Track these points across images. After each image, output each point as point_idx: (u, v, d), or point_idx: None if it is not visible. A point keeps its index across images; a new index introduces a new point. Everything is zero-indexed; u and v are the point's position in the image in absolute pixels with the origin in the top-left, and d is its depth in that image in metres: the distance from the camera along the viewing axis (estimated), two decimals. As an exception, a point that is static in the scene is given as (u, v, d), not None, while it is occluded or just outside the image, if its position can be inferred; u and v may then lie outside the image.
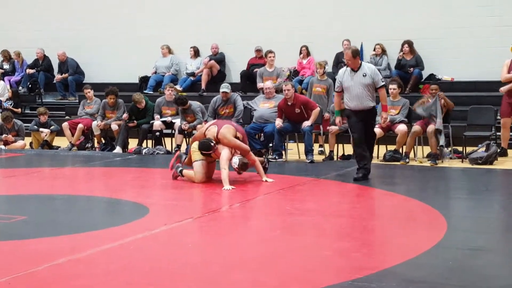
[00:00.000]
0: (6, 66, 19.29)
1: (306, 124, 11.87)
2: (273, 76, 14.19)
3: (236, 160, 9.32)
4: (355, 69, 9.70)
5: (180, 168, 9.76)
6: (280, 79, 13.96)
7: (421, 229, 6.78)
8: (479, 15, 15.85)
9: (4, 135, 14.22)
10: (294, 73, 16.83)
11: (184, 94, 15.63)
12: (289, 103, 12.02)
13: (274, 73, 14.25)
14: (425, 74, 15.92)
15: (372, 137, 10.10)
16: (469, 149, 12.16)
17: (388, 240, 6.42)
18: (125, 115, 13.64)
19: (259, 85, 14.29)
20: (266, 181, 9.57)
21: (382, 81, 9.81)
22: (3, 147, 14.08)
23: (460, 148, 12.38)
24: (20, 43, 19.25)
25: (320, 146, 13.32)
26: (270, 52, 14.78)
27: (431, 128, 11.64)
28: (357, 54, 9.80)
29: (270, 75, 14.25)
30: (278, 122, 11.99)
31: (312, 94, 13.29)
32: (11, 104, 17.24)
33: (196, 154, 9.54)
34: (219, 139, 9.40)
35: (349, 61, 9.77)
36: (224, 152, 9.32)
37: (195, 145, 9.63)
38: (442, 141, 11.49)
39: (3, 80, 18.37)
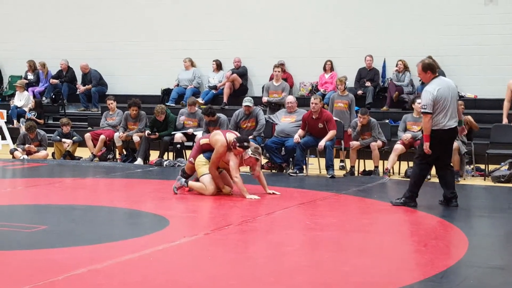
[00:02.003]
0: (30, 76, 19.47)
1: (321, 144, 11.80)
2: (279, 90, 14.17)
3: (249, 151, 9.38)
4: None
5: (184, 180, 9.73)
6: (285, 94, 13.97)
7: (442, 246, 6.72)
8: (502, 33, 15.81)
9: (27, 145, 14.31)
10: (316, 88, 16.84)
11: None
12: (314, 117, 12.02)
13: (280, 88, 14.24)
14: (448, 91, 15.82)
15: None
16: (491, 167, 12.08)
17: (408, 257, 6.37)
18: (147, 132, 13.61)
19: (264, 99, 14.33)
20: (273, 193, 9.61)
21: (424, 108, 8.55)
22: (25, 156, 14.17)
23: (482, 166, 12.31)
24: (44, 54, 19.42)
25: (341, 161, 13.28)
26: (277, 66, 14.77)
27: (454, 145, 11.55)
28: (429, 68, 8.61)
29: (276, 89, 14.24)
30: (297, 137, 11.98)
31: (334, 109, 13.28)
32: (34, 115, 17.36)
33: (203, 168, 9.54)
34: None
35: (419, 75, 8.94)
36: (232, 161, 9.37)
37: (200, 159, 9.62)
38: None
39: (27, 90, 18.53)
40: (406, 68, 15.92)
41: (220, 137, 9.48)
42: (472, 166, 12.30)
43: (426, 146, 8.62)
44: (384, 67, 16.66)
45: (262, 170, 12.60)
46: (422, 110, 8.63)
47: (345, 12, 17.08)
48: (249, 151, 9.37)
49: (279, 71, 14.51)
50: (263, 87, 16.63)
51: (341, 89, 13.44)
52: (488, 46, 15.93)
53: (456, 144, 11.56)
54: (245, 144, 9.40)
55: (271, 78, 16.94)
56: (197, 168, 9.65)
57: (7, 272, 5.51)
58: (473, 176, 12.12)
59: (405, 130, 12.21)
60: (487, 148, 12.44)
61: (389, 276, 5.58)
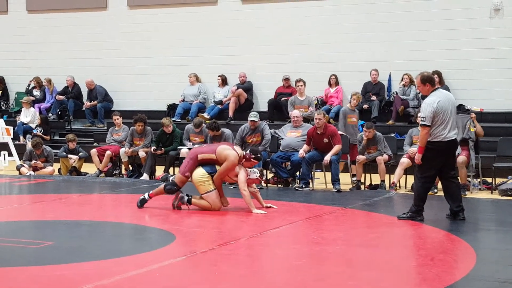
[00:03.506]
0: (36, 93, 19.53)
1: (327, 158, 11.80)
2: (305, 104, 14.22)
3: (254, 171, 9.54)
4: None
5: (186, 198, 9.65)
6: (311, 108, 14.01)
7: (449, 260, 6.70)
8: (508, 46, 15.81)
9: (33, 161, 14.34)
10: (322, 102, 16.85)
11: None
12: (319, 132, 12.02)
13: (306, 102, 14.28)
14: (454, 104, 15.82)
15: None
16: (498, 180, 12.05)
17: (415, 271, 6.35)
18: (153, 148, 13.60)
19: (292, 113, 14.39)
20: (270, 207, 9.62)
21: (422, 120, 8.59)
22: (32, 172, 14.20)
23: (489, 179, 12.27)
24: (50, 71, 19.49)
25: (354, 176, 13.17)
26: (299, 81, 14.81)
27: (461, 158, 11.54)
28: (428, 80, 8.70)
29: (302, 103, 14.29)
30: (301, 152, 11.97)
31: (348, 124, 13.25)
32: (40, 131, 17.41)
33: (208, 185, 9.47)
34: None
35: (418, 87, 9.02)
36: (241, 174, 9.39)
37: (202, 176, 9.52)
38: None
39: (33, 107, 18.60)
40: (412, 82, 15.85)
41: (231, 152, 9.47)
42: (479, 180, 12.27)
43: (418, 157, 8.68)
44: (389, 81, 16.67)
45: (268, 184, 12.64)
46: (421, 123, 8.66)
47: (351, 26, 17.09)
48: (258, 173, 9.57)
49: (301, 85, 14.56)
50: (268, 102, 16.71)
51: (355, 104, 13.51)
52: (495, 59, 15.92)
53: (464, 158, 11.55)
54: (259, 155, 9.71)
55: (276, 93, 17.03)
56: (198, 185, 9.54)
57: (13, 288, 5.51)
58: (480, 189, 12.09)
59: (411, 144, 12.19)
60: (494, 161, 12.42)
61: (397, 290, 5.56)
